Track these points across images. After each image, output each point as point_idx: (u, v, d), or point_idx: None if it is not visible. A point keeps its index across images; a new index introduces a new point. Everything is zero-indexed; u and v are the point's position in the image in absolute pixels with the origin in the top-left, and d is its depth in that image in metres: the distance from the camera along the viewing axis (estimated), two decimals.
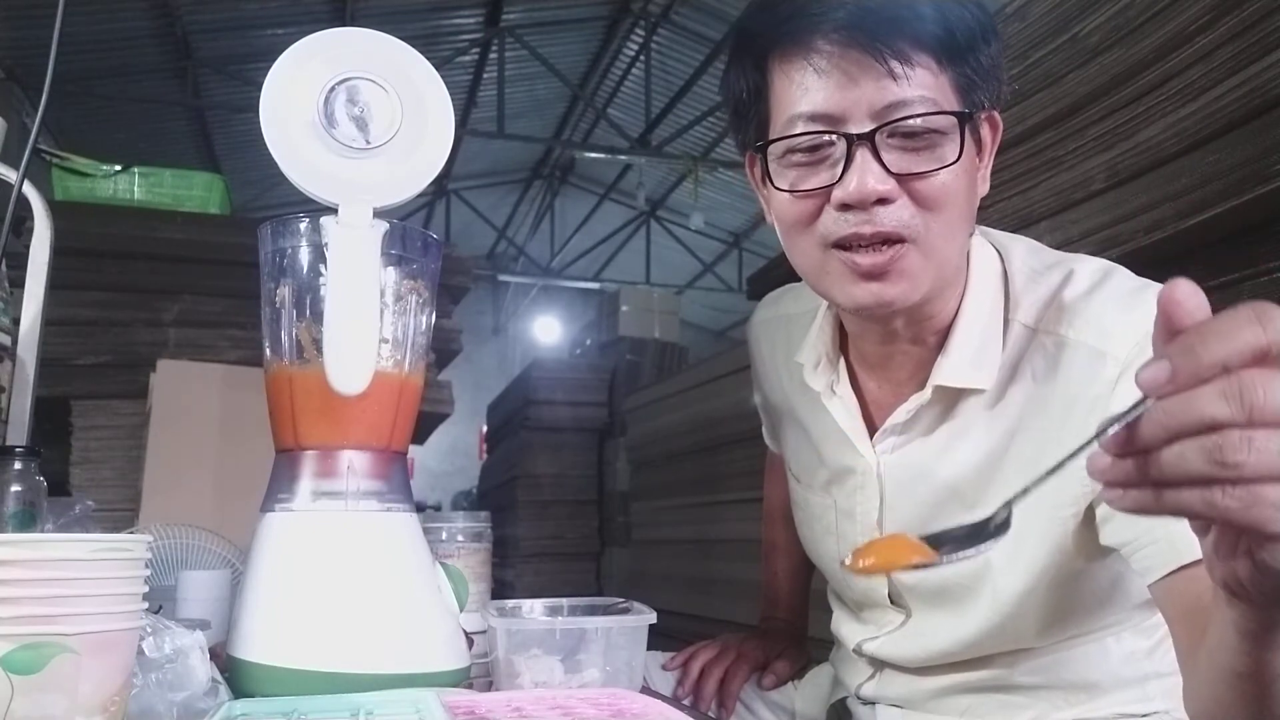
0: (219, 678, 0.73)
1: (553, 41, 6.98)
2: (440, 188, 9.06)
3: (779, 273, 3.11)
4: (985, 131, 0.79)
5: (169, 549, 1.34)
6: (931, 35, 0.72)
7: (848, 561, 0.55)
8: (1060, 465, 0.50)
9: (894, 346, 0.83)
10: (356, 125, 0.77)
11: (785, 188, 0.77)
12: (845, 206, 0.73)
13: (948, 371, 0.80)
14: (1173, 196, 1.32)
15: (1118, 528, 0.74)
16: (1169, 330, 0.44)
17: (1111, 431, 0.45)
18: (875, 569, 0.55)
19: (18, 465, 0.90)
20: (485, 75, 7.10)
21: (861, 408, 0.88)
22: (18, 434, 0.96)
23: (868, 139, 0.72)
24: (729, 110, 0.84)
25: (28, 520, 0.90)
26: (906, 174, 0.73)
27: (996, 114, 0.80)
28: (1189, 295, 0.44)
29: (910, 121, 0.72)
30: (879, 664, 0.96)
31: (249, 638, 0.77)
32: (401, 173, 0.79)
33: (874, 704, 0.98)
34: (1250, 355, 0.41)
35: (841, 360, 0.89)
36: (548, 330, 11.20)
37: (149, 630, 0.66)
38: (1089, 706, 0.86)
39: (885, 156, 0.72)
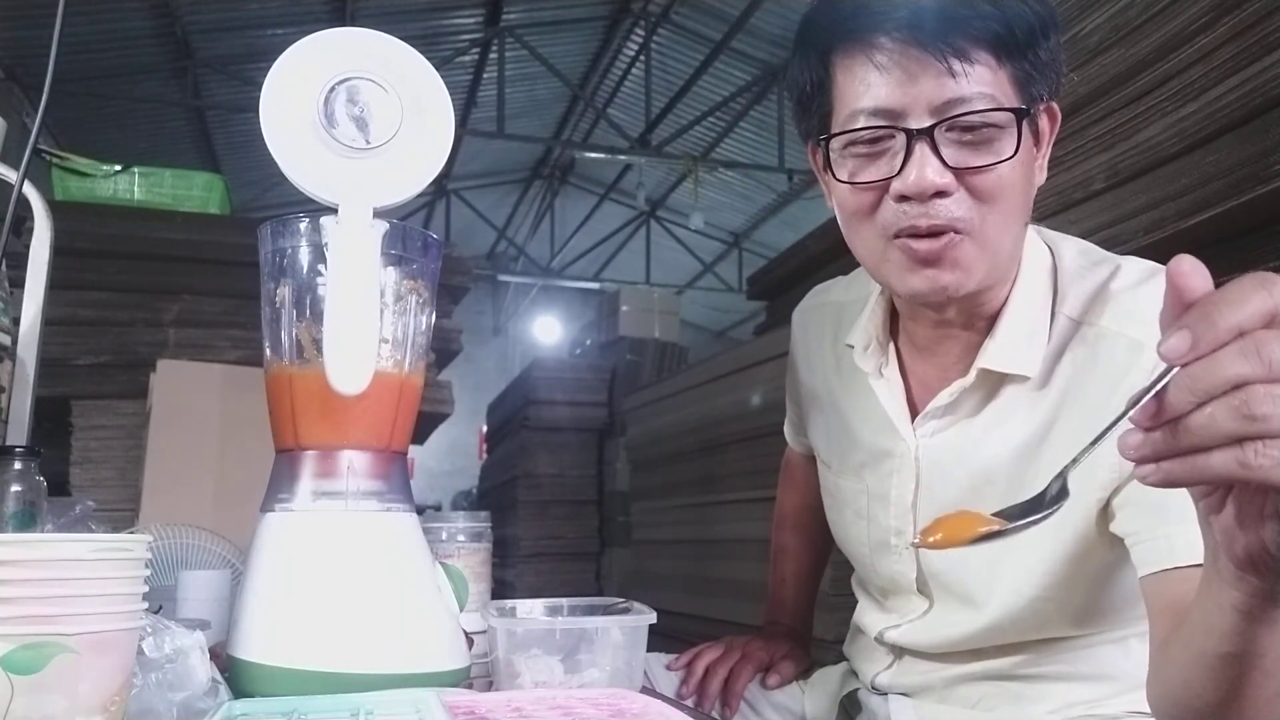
0: (219, 678, 0.72)
1: (553, 41, 6.98)
2: (440, 188, 9.06)
3: (779, 273, 3.11)
4: (1044, 122, 0.80)
5: (169, 549, 1.34)
6: (990, 32, 0.74)
7: (915, 540, 0.59)
8: (1102, 434, 0.52)
9: (944, 331, 0.86)
10: (356, 125, 0.77)
11: (845, 179, 0.79)
12: (903, 198, 0.76)
13: (993, 355, 0.82)
14: (1173, 196, 1.32)
15: (1128, 516, 0.76)
16: (1178, 303, 0.47)
17: (1142, 404, 0.47)
18: (944, 543, 0.57)
19: (18, 465, 0.90)
20: (485, 75, 7.10)
21: (906, 393, 0.90)
22: (18, 434, 0.96)
23: (926, 134, 0.74)
24: (792, 101, 0.86)
25: (28, 520, 0.90)
26: (964, 168, 0.75)
27: (1055, 105, 0.81)
28: (1195, 269, 0.47)
29: (968, 117, 0.74)
30: (899, 651, 0.97)
31: (249, 638, 0.77)
32: (401, 173, 0.79)
33: (885, 695, 0.99)
34: (1262, 318, 0.44)
35: (891, 344, 0.91)
36: (548, 330, 11.20)
37: (149, 630, 0.66)
38: (1104, 704, 0.87)
39: (944, 150, 0.74)
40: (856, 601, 1.07)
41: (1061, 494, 0.55)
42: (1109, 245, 1.38)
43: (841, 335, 0.97)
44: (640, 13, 6.78)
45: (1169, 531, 0.71)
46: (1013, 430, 0.83)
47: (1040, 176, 0.81)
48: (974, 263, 0.77)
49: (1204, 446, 0.46)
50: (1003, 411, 0.84)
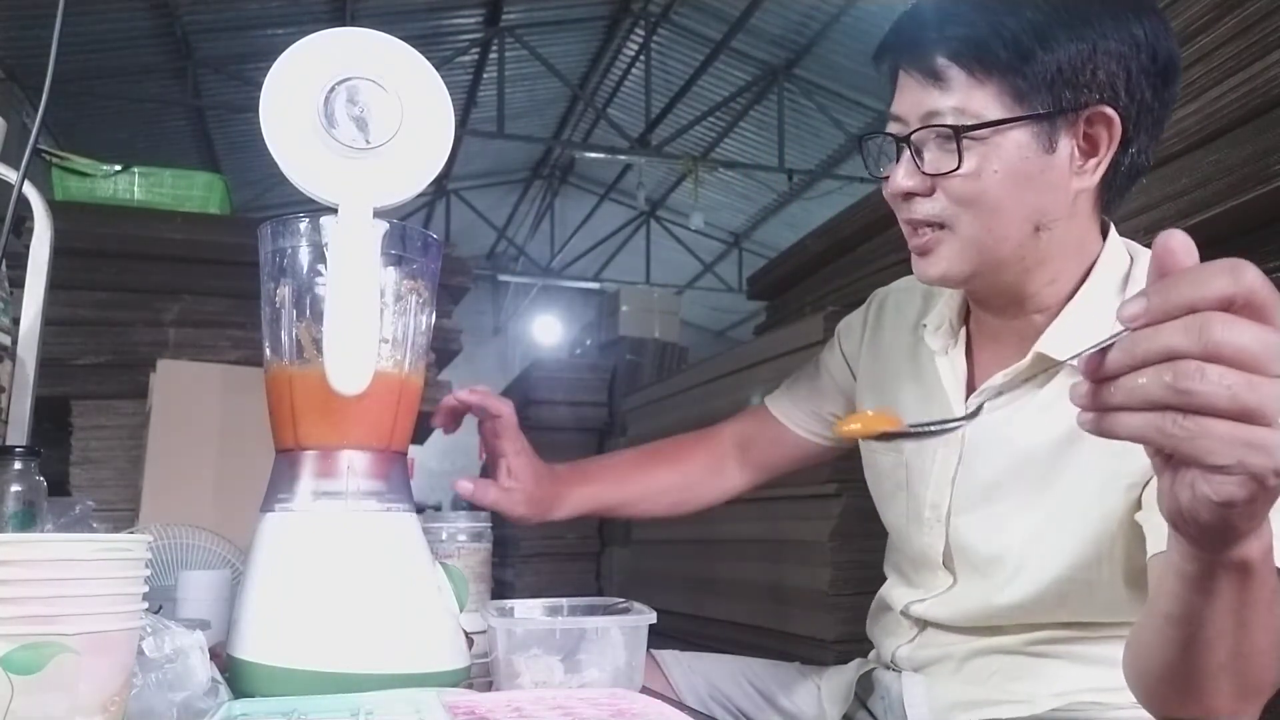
0: (219, 678, 0.72)
1: (553, 41, 6.98)
2: (440, 188, 9.06)
3: (779, 273, 3.11)
4: (1079, 128, 0.81)
5: (169, 549, 1.34)
6: (969, 47, 0.80)
7: (838, 427, 0.68)
8: (1047, 370, 0.61)
9: (1004, 320, 0.91)
10: (356, 125, 0.77)
11: (870, 174, 0.90)
12: (894, 195, 0.86)
13: (1049, 342, 0.86)
14: (1173, 196, 1.32)
15: (1148, 505, 0.79)
16: (1160, 274, 0.49)
17: (1088, 355, 0.51)
18: (861, 433, 0.66)
19: (18, 465, 0.90)
20: (485, 75, 7.10)
21: (970, 376, 0.95)
22: (18, 434, 0.96)
23: (905, 140, 0.83)
24: None
25: (28, 520, 0.90)
26: (935, 173, 0.82)
27: (1109, 109, 0.80)
28: (1182, 247, 0.48)
29: (941, 128, 0.81)
30: (923, 624, 1.00)
31: (249, 638, 0.77)
32: (401, 173, 0.79)
33: (900, 672, 1.01)
34: (1217, 300, 0.46)
35: (963, 330, 0.97)
36: (548, 330, 11.20)
37: (149, 630, 0.66)
38: (1111, 693, 0.88)
39: (926, 155, 0.83)
40: (855, 602, 1.08)
41: (973, 415, 0.64)
42: None
43: (923, 317, 1.02)
44: (640, 13, 6.78)
45: None
46: (1057, 417, 0.85)
47: (1082, 180, 0.83)
48: (954, 256, 0.84)
49: (1129, 407, 0.49)
50: (1050, 398, 0.86)
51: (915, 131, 0.83)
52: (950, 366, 0.96)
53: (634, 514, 1.28)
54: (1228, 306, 0.46)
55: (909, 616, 1.01)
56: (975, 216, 0.82)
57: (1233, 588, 0.57)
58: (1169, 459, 0.51)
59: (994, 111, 0.80)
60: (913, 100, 0.83)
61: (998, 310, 0.91)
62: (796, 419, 1.16)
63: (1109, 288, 0.87)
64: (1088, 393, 0.51)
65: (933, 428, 0.66)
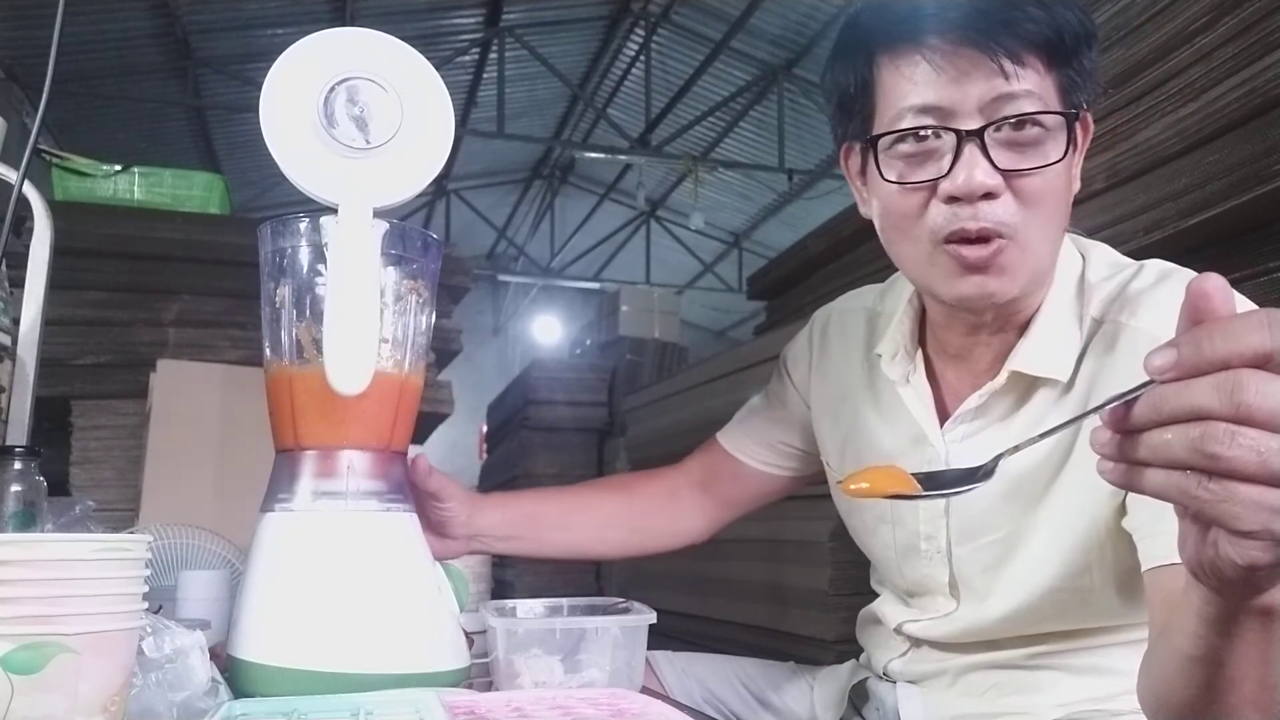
0: (219, 678, 0.72)
1: (553, 41, 6.98)
2: (440, 188, 9.06)
3: (779, 273, 3.11)
4: (1079, 134, 0.81)
5: (169, 549, 1.34)
6: (1041, 36, 0.74)
7: (845, 484, 0.61)
8: (1060, 428, 0.55)
9: (977, 338, 0.86)
10: (356, 125, 0.77)
11: (894, 179, 0.79)
12: (952, 199, 0.75)
13: (1023, 358, 0.82)
14: (1173, 196, 1.32)
15: (1136, 512, 0.77)
16: (1193, 321, 0.46)
17: (1112, 406, 0.48)
18: (869, 493, 0.61)
19: (18, 465, 0.90)
20: (485, 75, 7.10)
21: (937, 401, 0.90)
22: (18, 434, 0.96)
23: (977, 134, 0.74)
24: (832, 105, 0.86)
25: (28, 520, 0.90)
26: (1012, 170, 0.75)
27: (1089, 115, 0.81)
28: (1218, 289, 0.45)
29: (1018, 119, 0.74)
30: (917, 642, 0.98)
31: (249, 638, 0.77)
32: (401, 173, 0.79)
33: (894, 683, 0.99)
34: (1252, 357, 0.43)
35: (919, 352, 0.92)
36: (548, 330, 11.19)
37: (149, 630, 0.66)
38: (1110, 701, 0.87)
39: (992, 152, 0.74)
40: (854, 602, 1.07)
41: (989, 473, 0.58)
42: (1109, 245, 1.38)
43: (873, 344, 0.97)
44: (640, 13, 6.78)
45: (1170, 528, 0.71)
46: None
47: (1076, 185, 0.82)
48: (1018, 267, 0.77)
49: (1154, 464, 0.47)
50: (1035, 416, 0.83)
51: (1003, 120, 0.74)
52: (916, 395, 0.90)
53: (577, 546, 1.12)
54: (1264, 363, 0.43)
55: (901, 634, 0.98)
56: (1042, 219, 0.77)
57: (1256, 630, 0.55)
58: (1188, 510, 0.49)
59: (1056, 104, 0.76)
60: (973, 88, 0.74)
61: (973, 329, 0.85)
62: (754, 453, 1.10)
63: (1068, 294, 0.84)
64: (1110, 442, 0.48)
65: (948, 491, 0.61)
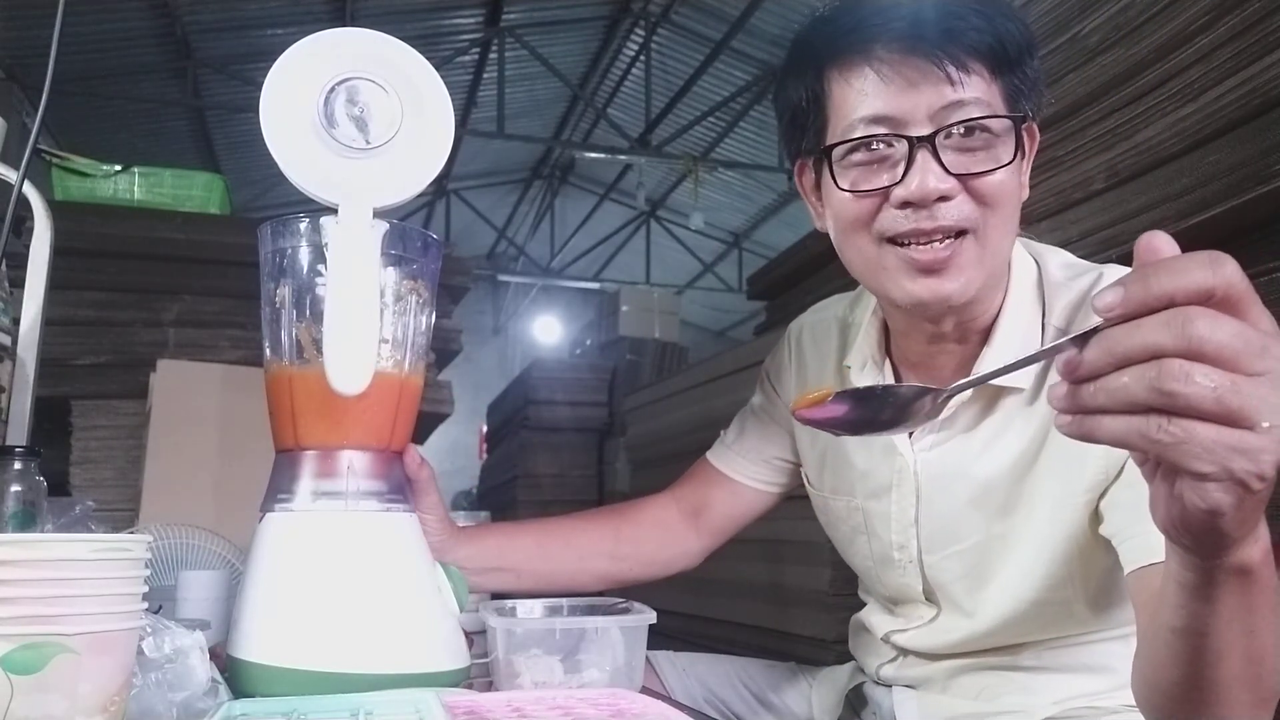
0: (219, 678, 0.72)
1: (553, 41, 6.98)
2: (440, 188, 9.06)
3: (779, 273, 3.11)
4: (1025, 140, 0.82)
5: (169, 549, 1.34)
6: (985, 45, 0.77)
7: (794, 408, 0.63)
8: (1013, 367, 0.55)
9: (939, 346, 0.86)
10: (356, 125, 0.77)
11: (847, 187, 0.80)
12: (906, 204, 0.77)
13: (988, 368, 0.81)
14: (1173, 196, 1.32)
15: (1113, 518, 0.77)
16: None
17: (1065, 356, 0.48)
18: (812, 400, 0.62)
19: (18, 465, 0.90)
20: (485, 75, 7.10)
21: None
22: (18, 434, 0.96)
23: (928, 141, 0.76)
24: (783, 121, 0.87)
25: (28, 520, 0.90)
26: (965, 174, 0.77)
27: (1035, 124, 0.82)
28: (1165, 245, 0.46)
29: (967, 124, 0.76)
30: (905, 651, 0.99)
31: (249, 638, 0.77)
32: (401, 173, 0.79)
33: (890, 686, 1.00)
34: (1196, 293, 0.44)
35: (887, 362, 0.93)
36: (548, 330, 11.20)
37: (149, 630, 0.66)
38: (1104, 696, 0.88)
39: (945, 157, 0.76)
40: (854, 602, 1.08)
41: (933, 412, 0.59)
42: (1109, 245, 1.39)
43: (845, 355, 0.97)
44: (640, 13, 6.78)
45: (1147, 529, 0.71)
46: (1010, 443, 0.84)
47: (1024, 192, 0.83)
48: (975, 266, 0.78)
49: (1112, 409, 0.46)
50: (1000, 425, 0.85)
51: (952, 125, 0.76)
52: None
53: (558, 577, 1.07)
54: (1206, 300, 0.44)
55: (889, 643, 0.99)
56: (999, 219, 0.78)
57: (1236, 594, 0.55)
58: (1158, 468, 0.50)
59: (1003, 111, 0.78)
60: (923, 97, 0.76)
61: (933, 338, 0.86)
62: (750, 472, 1.09)
63: (1027, 298, 0.85)
64: (1066, 394, 0.48)
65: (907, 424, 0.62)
